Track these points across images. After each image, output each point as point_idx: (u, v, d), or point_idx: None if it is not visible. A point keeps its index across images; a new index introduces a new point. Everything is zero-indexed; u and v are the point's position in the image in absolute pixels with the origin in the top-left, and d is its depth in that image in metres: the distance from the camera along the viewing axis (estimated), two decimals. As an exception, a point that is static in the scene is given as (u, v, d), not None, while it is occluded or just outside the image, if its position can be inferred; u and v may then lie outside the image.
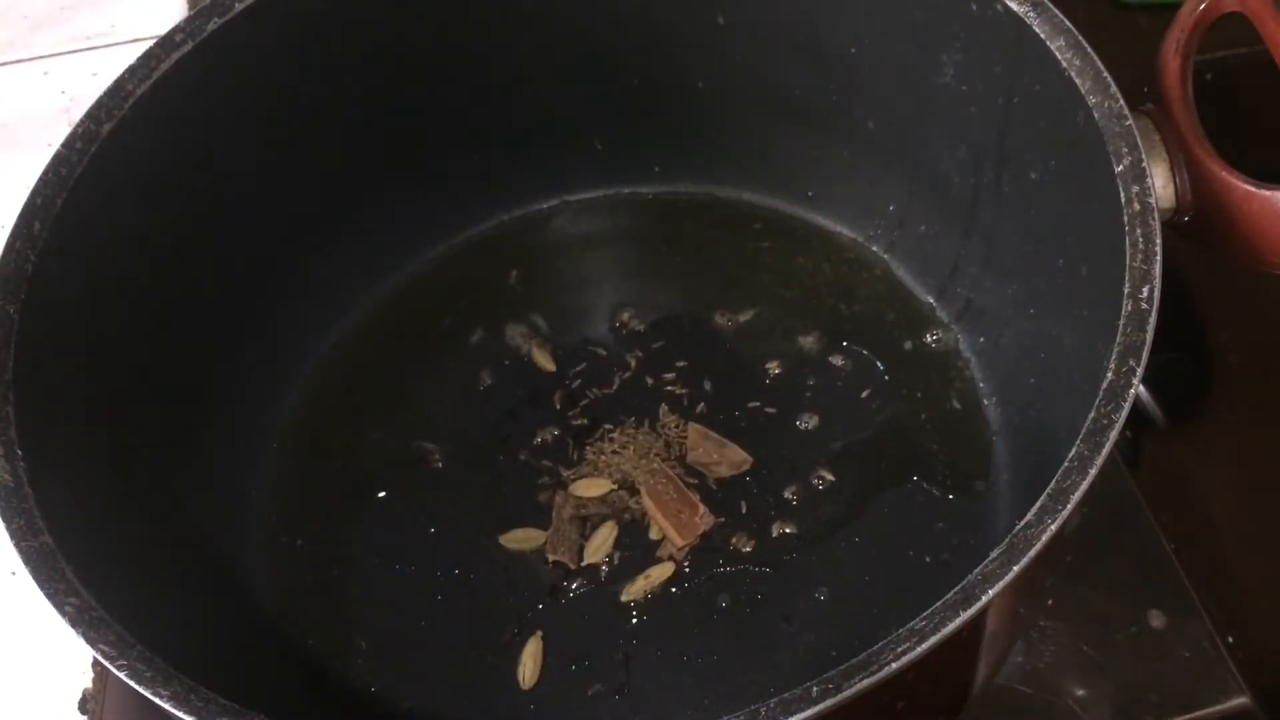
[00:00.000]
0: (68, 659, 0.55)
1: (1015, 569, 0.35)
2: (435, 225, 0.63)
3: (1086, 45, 0.45)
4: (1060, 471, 0.37)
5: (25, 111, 0.75)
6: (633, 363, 0.59)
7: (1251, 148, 0.48)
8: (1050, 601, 0.53)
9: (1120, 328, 0.39)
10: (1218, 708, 0.50)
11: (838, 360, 0.58)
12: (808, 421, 0.56)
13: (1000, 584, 0.35)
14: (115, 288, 0.49)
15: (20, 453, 0.41)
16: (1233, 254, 0.48)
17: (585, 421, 0.57)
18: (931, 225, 0.59)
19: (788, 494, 0.54)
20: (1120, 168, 0.43)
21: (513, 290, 0.62)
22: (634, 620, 0.52)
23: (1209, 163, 0.47)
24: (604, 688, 0.50)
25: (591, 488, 0.55)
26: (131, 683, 0.36)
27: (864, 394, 0.57)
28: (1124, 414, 0.38)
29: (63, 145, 0.47)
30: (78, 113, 0.48)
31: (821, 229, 0.63)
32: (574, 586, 0.53)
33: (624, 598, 0.52)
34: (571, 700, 0.50)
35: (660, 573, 0.52)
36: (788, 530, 0.53)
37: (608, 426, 0.57)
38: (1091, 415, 0.38)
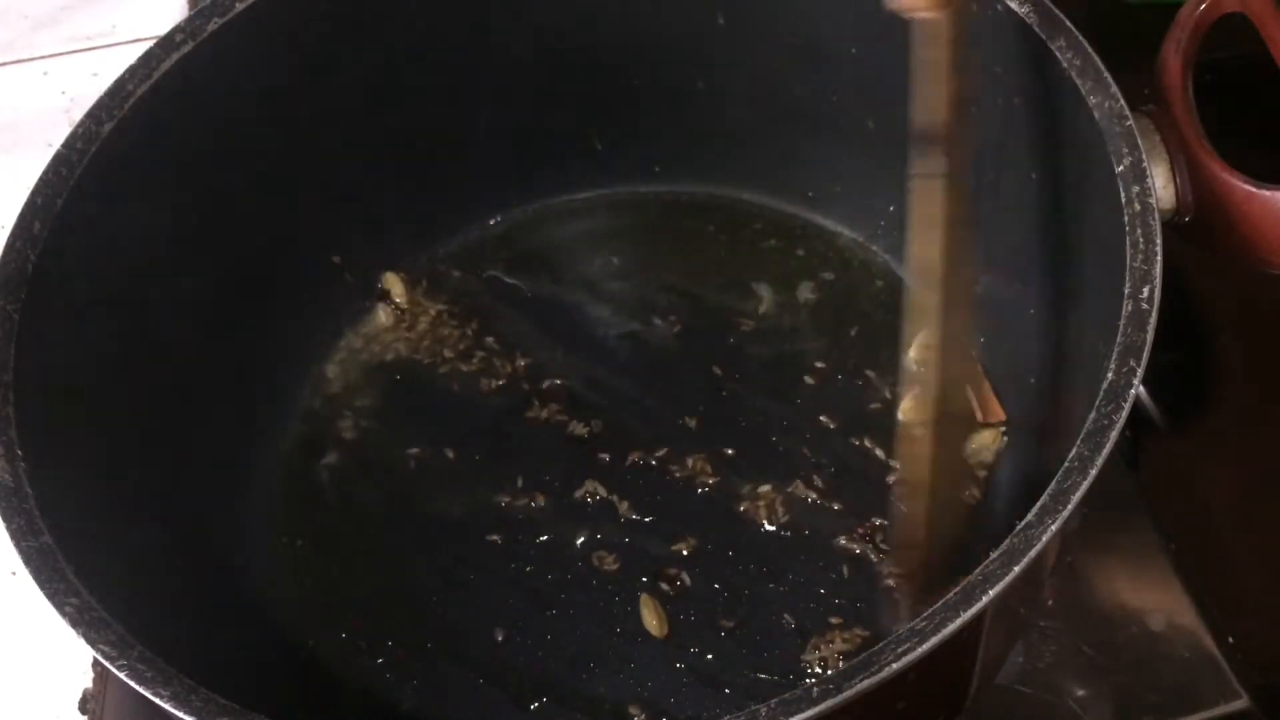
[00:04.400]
0: (68, 659, 0.55)
1: (1015, 569, 0.35)
2: (435, 225, 0.63)
3: (1087, 45, 0.45)
4: (1060, 471, 0.37)
5: (25, 111, 0.75)
6: (632, 363, 0.59)
7: (1251, 148, 0.48)
8: (1050, 601, 0.52)
9: (1120, 328, 0.39)
10: (1217, 708, 0.50)
11: (838, 360, 0.58)
12: (808, 421, 0.56)
13: (1000, 584, 0.35)
14: (115, 288, 0.49)
15: (20, 453, 0.41)
16: (1233, 254, 0.48)
17: (586, 422, 0.57)
18: (932, 225, 0.59)
19: (789, 492, 0.54)
20: (1120, 168, 0.43)
21: (513, 290, 0.62)
22: (633, 618, 0.52)
23: (1209, 163, 0.47)
24: (606, 689, 0.50)
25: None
26: (131, 683, 0.36)
27: (865, 393, 0.57)
28: (1124, 414, 0.38)
29: (63, 145, 0.47)
30: (78, 113, 0.48)
31: (821, 229, 0.63)
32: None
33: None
34: (571, 700, 0.50)
35: None
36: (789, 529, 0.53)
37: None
38: (1091, 415, 0.38)
